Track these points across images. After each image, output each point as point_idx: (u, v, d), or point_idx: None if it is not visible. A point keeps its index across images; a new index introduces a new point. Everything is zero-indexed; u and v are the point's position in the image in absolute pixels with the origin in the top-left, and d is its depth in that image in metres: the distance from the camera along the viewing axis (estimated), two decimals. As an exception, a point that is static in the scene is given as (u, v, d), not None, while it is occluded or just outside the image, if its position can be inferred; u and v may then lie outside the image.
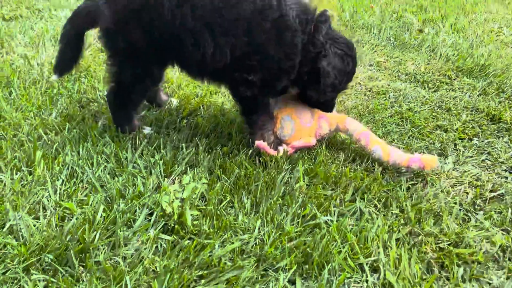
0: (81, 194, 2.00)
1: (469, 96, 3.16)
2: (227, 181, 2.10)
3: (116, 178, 2.09)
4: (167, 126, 2.59)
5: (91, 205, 1.91)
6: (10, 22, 4.16)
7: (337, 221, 1.92)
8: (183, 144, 2.35)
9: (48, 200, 1.93)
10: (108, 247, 1.71)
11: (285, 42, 2.19)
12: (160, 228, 1.82)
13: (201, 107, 2.82)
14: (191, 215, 1.89)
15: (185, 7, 2.14)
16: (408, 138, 2.63)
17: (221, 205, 1.95)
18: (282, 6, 2.17)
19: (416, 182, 2.22)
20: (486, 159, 2.47)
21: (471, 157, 2.47)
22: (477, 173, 2.33)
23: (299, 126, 2.40)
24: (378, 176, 2.20)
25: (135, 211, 1.90)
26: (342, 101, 3.01)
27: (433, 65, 3.67)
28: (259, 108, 2.35)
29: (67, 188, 2.01)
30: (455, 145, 2.58)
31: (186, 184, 2.08)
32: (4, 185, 1.99)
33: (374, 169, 2.27)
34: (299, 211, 1.95)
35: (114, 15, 2.20)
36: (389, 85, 3.29)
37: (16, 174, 2.07)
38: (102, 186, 2.05)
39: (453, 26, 4.59)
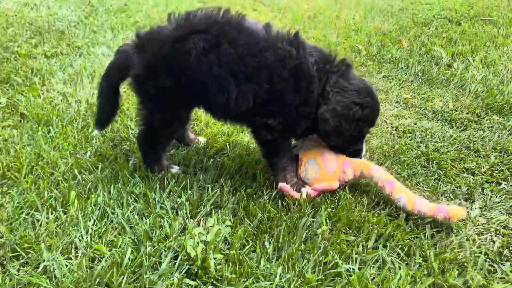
0: (111, 234, 2.09)
1: (499, 136, 3.11)
2: (250, 224, 2.15)
3: (144, 219, 2.18)
4: (194, 166, 2.68)
5: (119, 246, 1.99)
6: (51, 59, 4.42)
7: (359, 269, 1.93)
8: (209, 185, 2.42)
9: (80, 241, 2.03)
10: (134, 290, 1.78)
11: (302, 89, 2.28)
12: (184, 273, 1.88)
13: (228, 146, 2.90)
14: (214, 258, 1.94)
15: (211, 55, 2.25)
16: (434, 181, 2.61)
17: (244, 250, 1.99)
18: (301, 53, 2.27)
19: (441, 229, 2.20)
20: (515, 205, 2.42)
21: (498, 202, 2.43)
22: (505, 220, 2.29)
23: (323, 170, 2.43)
24: (402, 222, 2.20)
25: (161, 254, 1.97)
26: (367, 140, 3.02)
27: (462, 102, 3.64)
28: (280, 151, 2.41)
29: (98, 228, 2.11)
30: (482, 189, 2.55)
31: (211, 226, 2.14)
32: (40, 224, 2.11)
33: (398, 214, 2.27)
34: (321, 258, 1.96)
35: (144, 62, 2.33)
36: (415, 124, 3.29)
37: (52, 213, 2.19)
38: (131, 227, 2.13)
39: (483, 60, 4.54)
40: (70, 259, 1.93)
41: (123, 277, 1.80)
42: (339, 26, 5.67)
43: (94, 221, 2.16)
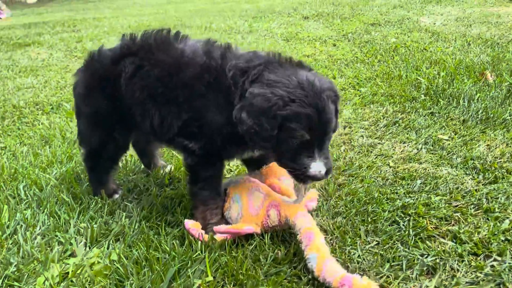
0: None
1: (539, 195, 2.23)
2: (124, 261, 1.91)
3: (42, 239, 2.13)
4: (141, 193, 2.56)
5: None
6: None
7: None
8: (124, 213, 2.27)
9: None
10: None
11: (222, 105, 1.95)
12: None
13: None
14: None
15: (135, 79, 2.14)
16: (394, 242, 1.97)
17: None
18: (219, 66, 1.97)
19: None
20: (494, 290, 1.66)
21: (468, 283, 1.70)
22: (459, 310, 1.57)
23: (246, 211, 2.07)
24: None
25: (24, 276, 1.87)
26: (343, 185, 2.48)
27: (517, 148, 2.75)
28: (199, 180, 2.12)
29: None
30: (457, 261, 1.82)
31: (89, 258, 1.98)
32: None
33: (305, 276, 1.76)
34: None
35: (84, 81, 2.35)
36: (425, 170, 2.58)
37: None
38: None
39: None
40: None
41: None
42: (417, 59, 4.95)
43: (6, 235, 2.19)
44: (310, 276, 1.76)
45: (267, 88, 1.80)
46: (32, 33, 9.55)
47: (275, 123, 1.76)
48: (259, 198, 2.07)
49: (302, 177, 1.86)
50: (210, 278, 1.80)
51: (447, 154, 2.77)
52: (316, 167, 1.80)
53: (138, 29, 9.03)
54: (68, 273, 1.88)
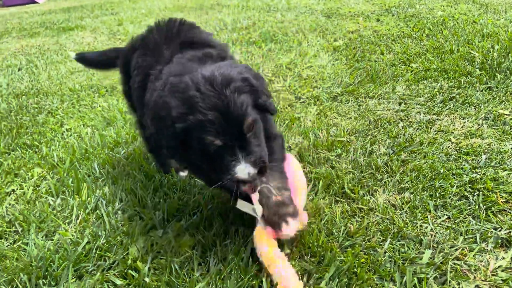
0: (92, 225, 2.25)
1: None
2: (202, 236, 2.03)
3: (123, 214, 2.28)
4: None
5: (90, 235, 2.12)
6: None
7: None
8: (196, 190, 2.39)
9: (64, 226, 2.25)
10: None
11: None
12: (119, 269, 1.90)
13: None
14: (152, 262, 1.91)
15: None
16: (465, 216, 2.00)
17: (179, 259, 1.90)
18: None
19: (440, 274, 1.68)
20: None
21: (547, 256, 1.72)
22: (539, 282, 1.61)
23: None
24: (380, 260, 1.76)
25: (112, 247, 2.03)
26: (406, 161, 2.50)
27: None
28: None
29: (83, 217, 2.30)
30: (533, 235, 1.84)
31: (172, 231, 2.11)
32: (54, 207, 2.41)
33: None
34: (253, 282, 1.73)
35: (123, 58, 2.48)
36: (489, 145, 2.57)
37: (59, 197, 2.47)
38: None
39: None
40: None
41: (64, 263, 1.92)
42: (468, 32, 4.81)
43: (89, 211, 2.36)
44: (385, 247, 1.82)
45: (167, 92, 1.63)
46: (73, 17, 9.80)
47: (175, 134, 1.59)
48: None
49: (234, 183, 1.67)
50: (288, 250, 1.90)
51: (510, 129, 2.74)
52: (242, 169, 1.59)
53: (174, 10, 9.14)
54: (152, 244, 2.03)
